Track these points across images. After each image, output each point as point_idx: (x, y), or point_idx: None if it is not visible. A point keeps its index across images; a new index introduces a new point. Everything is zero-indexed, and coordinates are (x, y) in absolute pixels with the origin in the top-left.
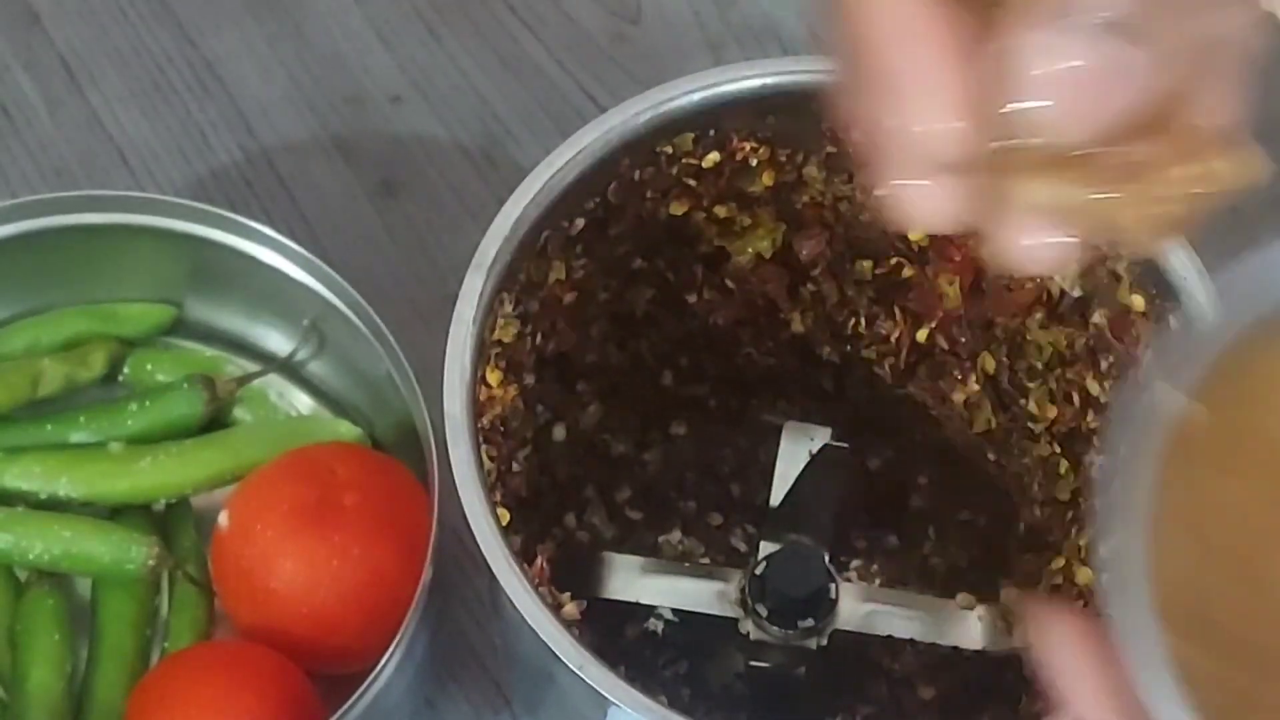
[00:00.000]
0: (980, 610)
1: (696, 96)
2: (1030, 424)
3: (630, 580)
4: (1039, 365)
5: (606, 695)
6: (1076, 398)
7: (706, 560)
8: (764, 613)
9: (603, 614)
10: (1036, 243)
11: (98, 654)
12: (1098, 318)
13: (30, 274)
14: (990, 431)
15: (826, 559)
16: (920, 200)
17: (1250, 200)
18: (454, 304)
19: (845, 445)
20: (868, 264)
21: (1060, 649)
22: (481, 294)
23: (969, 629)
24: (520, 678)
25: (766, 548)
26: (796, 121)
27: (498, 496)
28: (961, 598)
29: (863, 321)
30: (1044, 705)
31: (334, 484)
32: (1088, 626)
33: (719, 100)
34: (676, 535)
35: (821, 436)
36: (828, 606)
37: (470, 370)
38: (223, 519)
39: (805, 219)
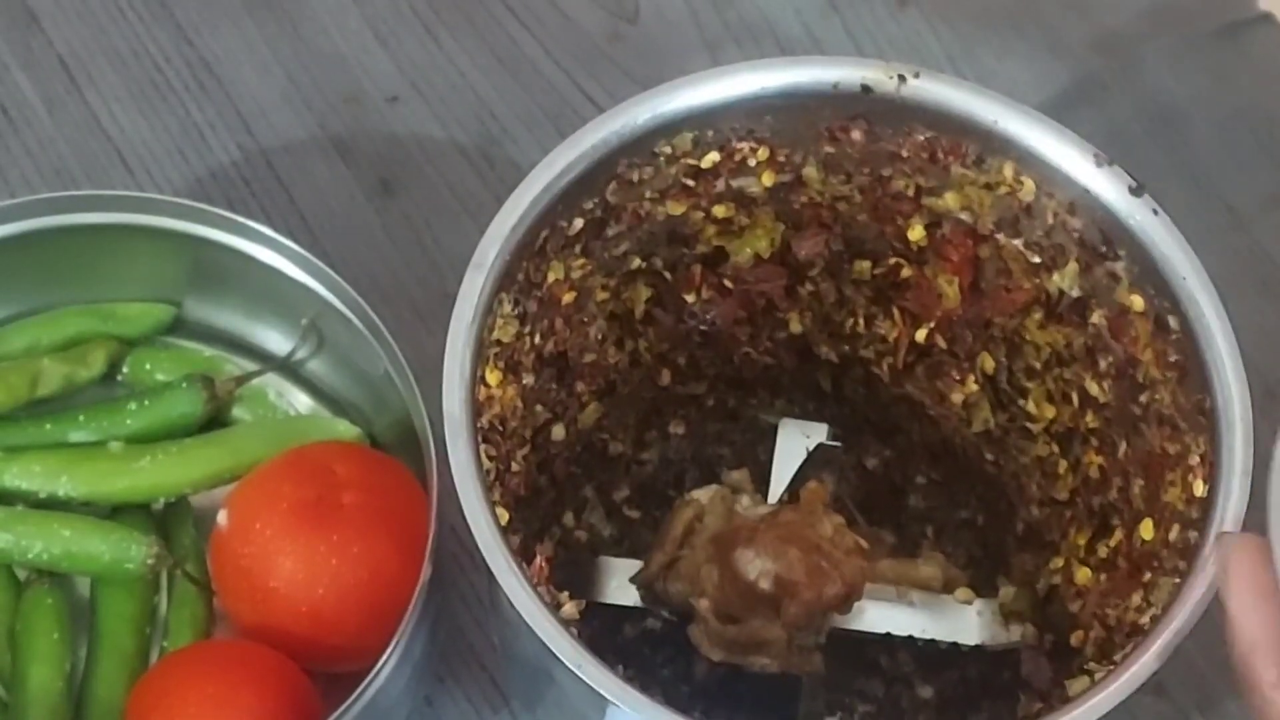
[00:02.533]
0: (979, 605)
1: (695, 97)
2: (1028, 424)
3: (626, 584)
4: (1037, 365)
5: (605, 694)
6: (1075, 397)
7: None
8: None
9: (601, 613)
10: None
11: (97, 653)
12: (1096, 318)
13: (30, 274)
14: (988, 431)
15: None
16: None
17: (1249, 200)
18: (452, 303)
19: (839, 445)
20: (866, 264)
21: (1231, 563)
22: (480, 293)
23: (967, 624)
24: (519, 676)
25: None
26: (795, 122)
27: (496, 496)
28: (960, 592)
29: (861, 321)
30: (1043, 706)
31: (333, 483)
32: (1261, 550)
33: (718, 100)
34: None
35: (818, 434)
36: None
37: (469, 370)
38: (222, 518)
39: (804, 219)
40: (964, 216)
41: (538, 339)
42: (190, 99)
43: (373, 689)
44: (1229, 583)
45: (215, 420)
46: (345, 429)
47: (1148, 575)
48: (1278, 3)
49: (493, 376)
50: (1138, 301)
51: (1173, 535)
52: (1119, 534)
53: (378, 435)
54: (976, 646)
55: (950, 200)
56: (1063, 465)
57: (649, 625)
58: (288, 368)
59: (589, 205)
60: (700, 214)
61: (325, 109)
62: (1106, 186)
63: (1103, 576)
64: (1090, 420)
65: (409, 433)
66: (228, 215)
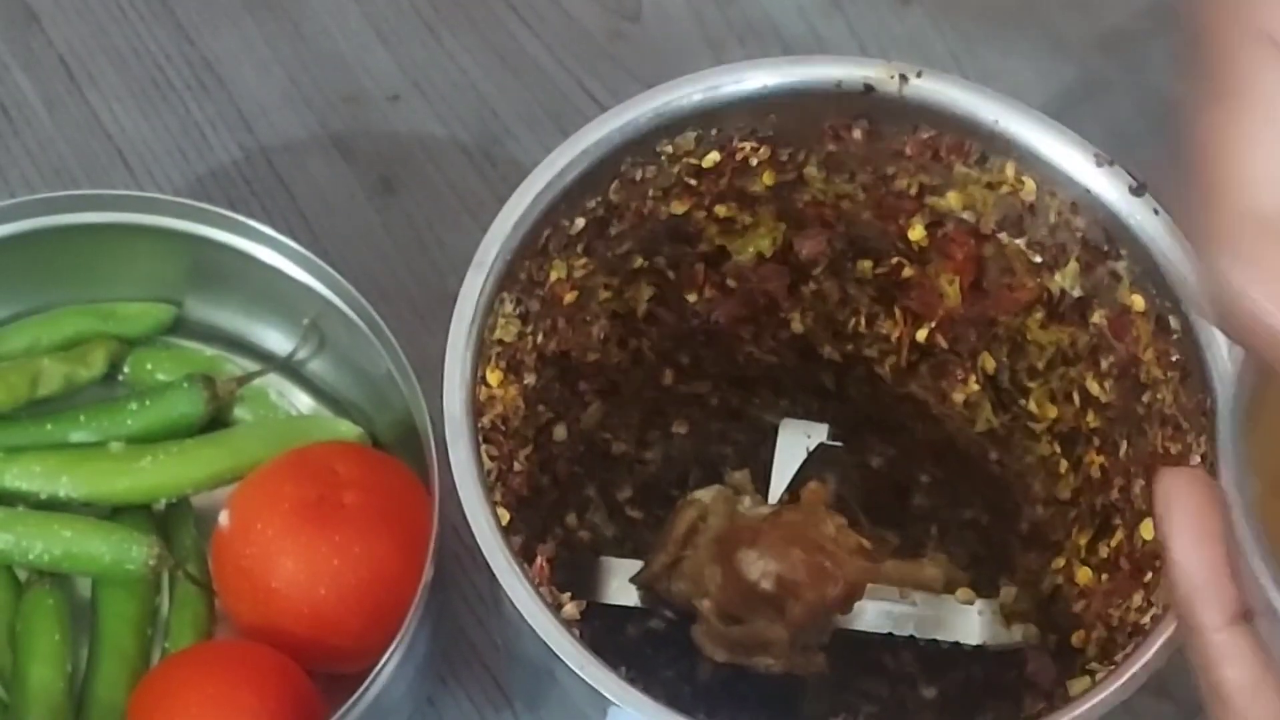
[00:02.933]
0: (980, 604)
1: (698, 96)
2: (1031, 423)
3: (628, 584)
4: (1039, 365)
5: (607, 695)
6: (1077, 397)
7: None
8: None
9: (603, 613)
10: None
11: (98, 653)
12: (1098, 317)
13: (30, 274)
14: (991, 431)
15: None
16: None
17: None
18: (454, 303)
19: (840, 444)
20: (868, 263)
21: (1173, 503)
22: (482, 293)
23: (969, 624)
24: (521, 676)
25: None
26: (797, 120)
27: (498, 496)
28: (961, 592)
29: (863, 320)
30: (1046, 706)
31: (334, 483)
32: (1203, 489)
33: (720, 99)
34: None
35: (818, 434)
36: None
37: (470, 369)
38: (223, 518)
39: (806, 218)
40: (966, 216)
41: (540, 338)
42: (191, 98)
43: (374, 689)
44: (1171, 523)
45: (216, 420)
46: (347, 429)
47: (1149, 575)
48: None
49: (494, 376)
50: (1139, 301)
51: None
52: (1120, 534)
53: (379, 435)
54: (979, 646)
55: (952, 199)
56: (1065, 465)
57: (652, 626)
58: (289, 368)
59: (591, 204)
60: (703, 213)
61: (326, 108)
62: (1107, 186)
63: (1104, 576)
64: (1092, 420)
65: (410, 433)
66: (228, 214)
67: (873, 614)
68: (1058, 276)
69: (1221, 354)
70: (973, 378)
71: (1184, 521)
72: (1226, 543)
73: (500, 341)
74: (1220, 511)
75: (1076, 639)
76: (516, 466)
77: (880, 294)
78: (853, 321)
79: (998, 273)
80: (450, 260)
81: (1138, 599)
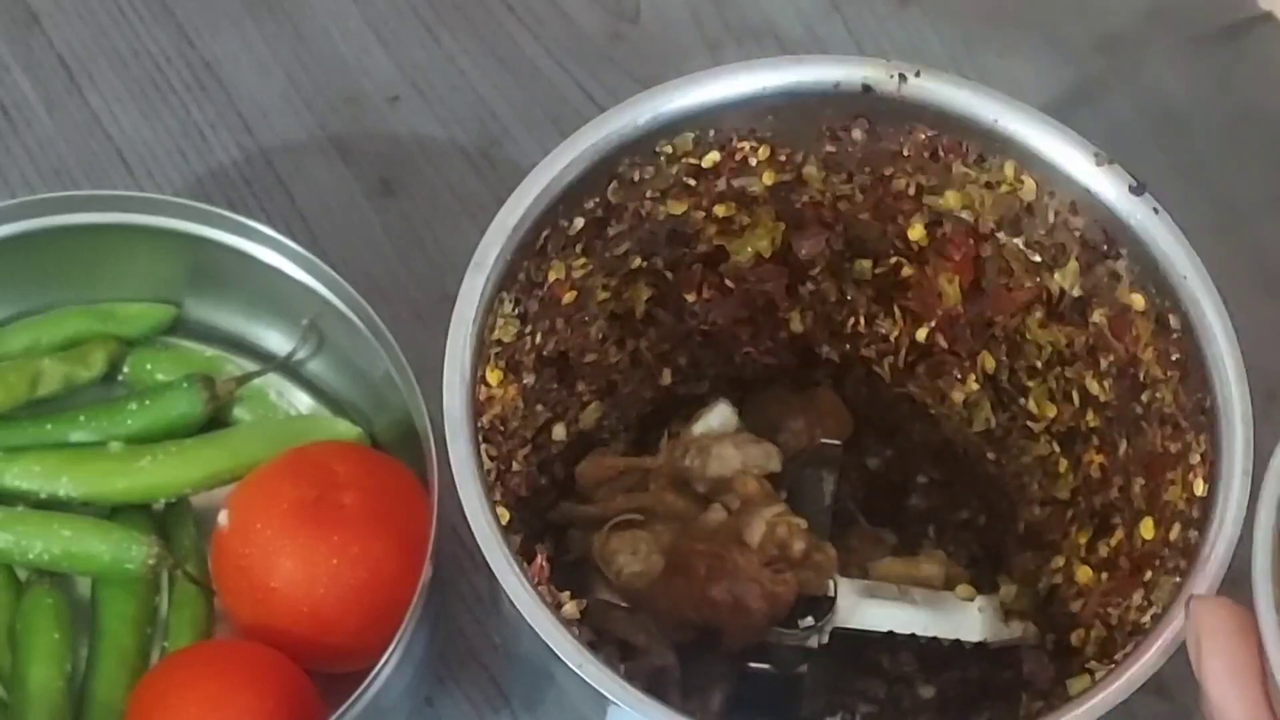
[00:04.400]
0: (980, 601)
1: (696, 96)
2: (1029, 423)
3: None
4: (1038, 364)
5: (606, 694)
6: (1076, 396)
7: None
8: None
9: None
10: None
11: (98, 653)
12: (1097, 317)
13: (30, 274)
14: (989, 430)
15: None
16: None
17: (1250, 199)
18: (453, 303)
19: (838, 443)
20: (867, 263)
21: (1205, 636)
22: (481, 293)
23: (969, 621)
24: (520, 676)
25: None
26: (796, 121)
27: (497, 495)
28: (961, 589)
29: (862, 320)
30: (1044, 706)
31: (333, 483)
32: (1235, 618)
33: (719, 100)
34: None
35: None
36: (827, 604)
37: (470, 370)
38: (222, 518)
39: (804, 218)
40: (965, 215)
41: (538, 339)
42: (191, 99)
43: (373, 689)
44: (1204, 661)
45: (216, 420)
46: (346, 429)
47: (1149, 574)
48: (1278, 3)
49: (493, 376)
50: (1138, 300)
51: (1173, 534)
52: (1120, 533)
53: (378, 435)
54: (978, 644)
55: (951, 199)
56: (1064, 464)
57: None
58: (288, 368)
59: (590, 205)
60: (701, 213)
61: (326, 109)
62: (1107, 185)
63: (1104, 576)
64: (1091, 419)
65: (409, 433)
66: (228, 215)
67: (873, 612)
68: (1057, 276)
69: (1221, 353)
70: (972, 377)
71: (1219, 660)
72: (1263, 677)
73: (499, 341)
74: (1252, 642)
75: (1075, 638)
76: (515, 466)
77: (879, 294)
78: (851, 321)
79: (996, 272)
80: (449, 261)
81: (1137, 598)
